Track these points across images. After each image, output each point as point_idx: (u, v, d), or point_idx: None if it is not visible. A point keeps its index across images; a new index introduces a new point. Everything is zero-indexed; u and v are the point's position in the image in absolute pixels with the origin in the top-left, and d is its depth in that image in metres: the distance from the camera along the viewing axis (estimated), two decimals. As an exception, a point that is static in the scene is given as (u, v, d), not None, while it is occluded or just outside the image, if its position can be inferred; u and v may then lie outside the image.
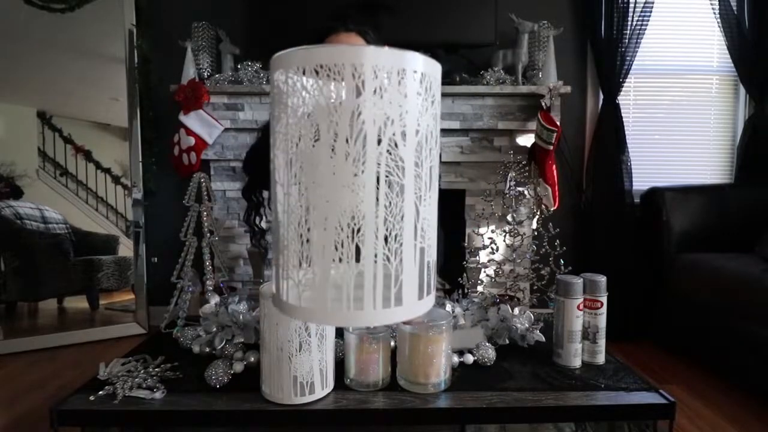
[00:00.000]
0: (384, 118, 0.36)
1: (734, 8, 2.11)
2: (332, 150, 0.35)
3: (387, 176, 0.37)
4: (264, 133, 1.17)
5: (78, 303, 2.11)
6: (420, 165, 0.38)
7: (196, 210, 1.15)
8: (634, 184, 2.12)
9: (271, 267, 2.09)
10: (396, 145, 0.37)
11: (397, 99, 0.36)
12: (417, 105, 0.37)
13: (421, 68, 0.37)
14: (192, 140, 1.98)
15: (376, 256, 0.36)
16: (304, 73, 0.35)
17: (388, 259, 0.37)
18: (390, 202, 0.37)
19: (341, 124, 0.35)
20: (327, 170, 0.35)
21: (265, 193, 1.29)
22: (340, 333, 0.86)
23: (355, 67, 0.34)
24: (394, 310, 0.38)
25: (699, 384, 1.60)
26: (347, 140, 0.35)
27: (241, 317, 0.95)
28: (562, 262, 1.04)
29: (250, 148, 1.31)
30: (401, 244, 0.37)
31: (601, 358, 0.91)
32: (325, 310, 0.36)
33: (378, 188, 0.37)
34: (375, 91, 0.35)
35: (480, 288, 1.32)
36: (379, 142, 0.36)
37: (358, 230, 0.36)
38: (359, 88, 0.34)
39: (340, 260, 0.36)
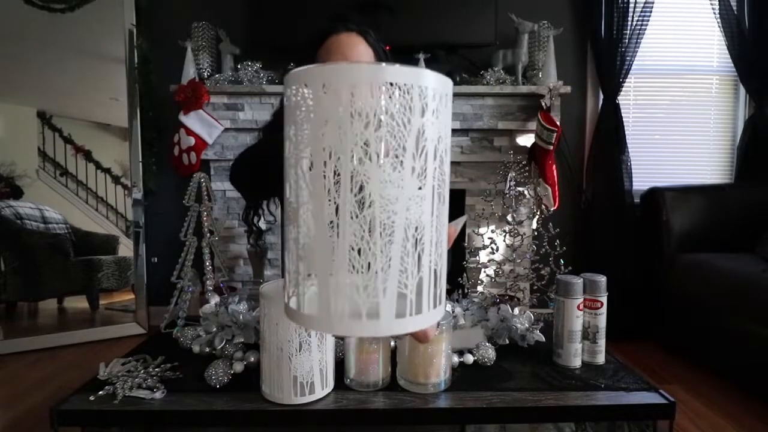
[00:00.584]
0: (438, 135, 0.39)
1: (734, 8, 2.11)
2: (401, 165, 0.37)
3: (439, 188, 0.40)
4: (266, 135, 1.04)
5: (78, 303, 2.11)
6: (449, 175, 0.42)
7: (196, 210, 1.15)
8: (634, 184, 2.12)
9: (271, 267, 2.09)
10: (443, 160, 0.40)
11: (445, 119, 0.39)
12: (451, 124, 0.41)
13: (452, 91, 0.40)
14: (192, 140, 1.98)
15: (430, 261, 0.39)
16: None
17: (437, 263, 0.40)
18: (439, 212, 0.41)
19: (410, 140, 0.37)
20: (395, 185, 0.37)
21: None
22: (340, 333, 0.86)
23: (422, 88, 0.36)
24: (438, 309, 0.41)
25: (699, 384, 1.60)
26: (414, 156, 0.37)
27: (241, 317, 0.95)
28: (562, 262, 1.04)
29: (248, 155, 1.05)
30: (442, 249, 0.41)
31: (601, 358, 0.91)
32: (391, 319, 0.37)
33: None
34: (433, 112, 0.38)
35: (480, 288, 1.32)
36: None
37: (420, 240, 0.38)
38: (423, 108, 0.37)
39: (405, 270, 0.38)
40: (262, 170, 0.89)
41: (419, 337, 0.46)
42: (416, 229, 0.38)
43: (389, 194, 0.37)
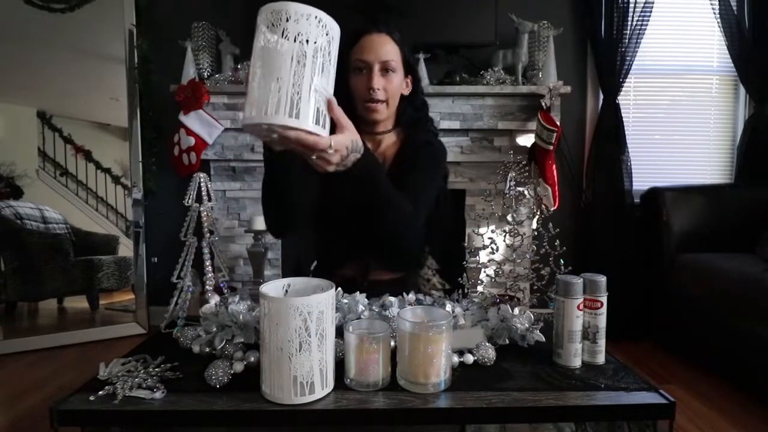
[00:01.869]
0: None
1: (734, 8, 2.11)
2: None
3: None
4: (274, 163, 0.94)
5: (78, 303, 2.11)
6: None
7: (196, 210, 1.15)
8: (634, 184, 2.12)
9: (271, 267, 2.09)
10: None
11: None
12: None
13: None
14: (192, 140, 1.98)
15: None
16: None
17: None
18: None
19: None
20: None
21: None
22: (340, 333, 0.86)
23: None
24: (319, 128, 0.70)
25: (699, 384, 1.60)
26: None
27: (241, 317, 0.95)
28: (562, 262, 1.04)
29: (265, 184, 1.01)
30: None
31: (601, 358, 0.91)
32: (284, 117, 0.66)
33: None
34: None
35: (480, 288, 1.32)
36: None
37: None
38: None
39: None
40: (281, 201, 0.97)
41: (307, 145, 0.67)
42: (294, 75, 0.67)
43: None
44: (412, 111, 1.11)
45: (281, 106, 0.64)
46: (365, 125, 1.05)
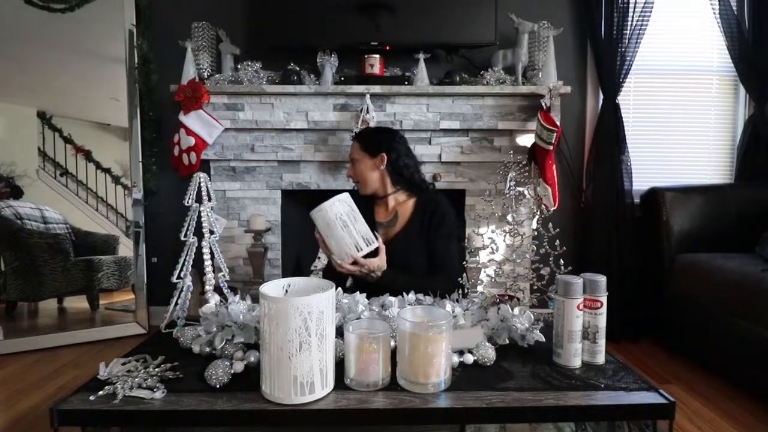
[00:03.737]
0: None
1: (734, 8, 2.11)
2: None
3: None
4: None
5: (78, 303, 2.11)
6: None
7: (196, 210, 1.15)
8: (634, 184, 2.12)
9: (271, 267, 2.09)
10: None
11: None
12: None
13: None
14: (192, 140, 1.98)
15: None
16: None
17: None
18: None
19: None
20: None
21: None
22: (340, 333, 0.86)
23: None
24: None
25: (699, 384, 1.60)
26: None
27: (241, 317, 0.95)
28: (562, 262, 1.04)
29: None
30: None
31: (601, 358, 0.91)
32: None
33: None
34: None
35: (480, 288, 1.32)
36: None
37: None
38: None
39: None
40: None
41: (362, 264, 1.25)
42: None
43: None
44: (396, 174, 1.45)
45: (350, 248, 1.21)
46: (376, 196, 1.48)
